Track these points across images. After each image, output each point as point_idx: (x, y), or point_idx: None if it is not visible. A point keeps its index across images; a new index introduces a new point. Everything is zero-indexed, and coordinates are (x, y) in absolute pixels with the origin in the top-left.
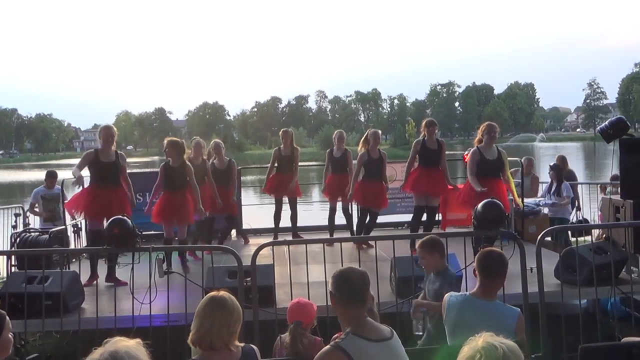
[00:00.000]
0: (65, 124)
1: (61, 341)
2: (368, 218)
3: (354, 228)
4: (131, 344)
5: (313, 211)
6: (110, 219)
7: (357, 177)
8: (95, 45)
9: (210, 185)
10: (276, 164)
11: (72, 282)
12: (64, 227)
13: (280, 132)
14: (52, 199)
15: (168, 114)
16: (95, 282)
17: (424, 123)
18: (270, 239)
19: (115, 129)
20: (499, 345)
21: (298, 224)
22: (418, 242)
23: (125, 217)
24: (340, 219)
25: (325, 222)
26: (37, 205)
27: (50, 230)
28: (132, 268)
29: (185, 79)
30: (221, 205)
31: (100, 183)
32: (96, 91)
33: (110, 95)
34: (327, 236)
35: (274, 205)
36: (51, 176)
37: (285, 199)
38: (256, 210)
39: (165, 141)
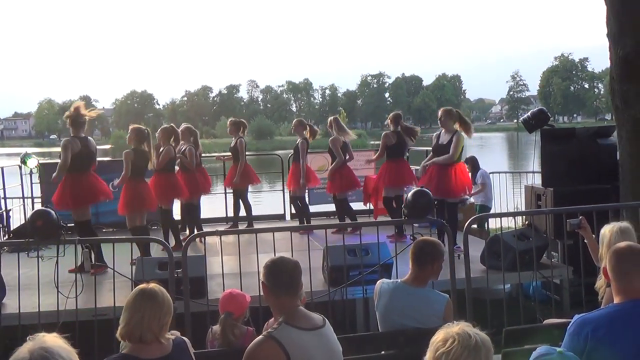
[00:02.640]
0: None
1: None
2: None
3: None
4: (59, 340)
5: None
6: (33, 211)
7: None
8: (15, 30)
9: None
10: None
11: None
12: None
13: (228, 123)
14: None
15: (94, 102)
16: (104, 270)
17: (392, 116)
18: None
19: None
20: (474, 334)
21: (242, 214)
22: None
23: (49, 209)
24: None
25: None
26: None
27: None
28: (57, 261)
29: (112, 67)
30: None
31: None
32: (16, 78)
33: (31, 83)
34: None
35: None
36: None
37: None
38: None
39: (130, 128)
